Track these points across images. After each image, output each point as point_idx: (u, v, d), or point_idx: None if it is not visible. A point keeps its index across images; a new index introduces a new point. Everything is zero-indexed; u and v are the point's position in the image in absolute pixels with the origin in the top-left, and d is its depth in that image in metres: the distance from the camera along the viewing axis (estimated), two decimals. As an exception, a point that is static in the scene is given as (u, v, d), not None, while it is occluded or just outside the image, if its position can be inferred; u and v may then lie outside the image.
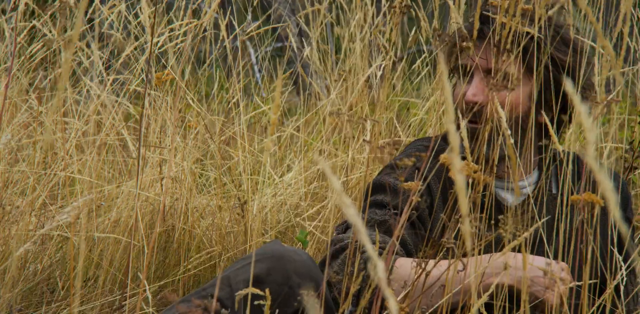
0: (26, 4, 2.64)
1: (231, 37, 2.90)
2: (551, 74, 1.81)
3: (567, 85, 1.09)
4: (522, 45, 1.73)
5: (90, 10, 2.88)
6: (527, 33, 1.72)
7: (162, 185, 2.61)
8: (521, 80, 1.79)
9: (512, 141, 1.68)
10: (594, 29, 1.40)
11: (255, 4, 3.21)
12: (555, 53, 1.79)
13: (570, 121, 1.86)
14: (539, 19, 1.73)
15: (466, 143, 1.69)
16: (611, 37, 1.79)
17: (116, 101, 2.77)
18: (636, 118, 2.23)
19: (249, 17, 3.48)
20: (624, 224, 1.12)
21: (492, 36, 1.77)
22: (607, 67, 1.60)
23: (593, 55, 1.84)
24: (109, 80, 2.78)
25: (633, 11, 2.44)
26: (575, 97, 1.08)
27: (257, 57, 4.29)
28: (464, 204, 1.11)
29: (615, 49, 2.61)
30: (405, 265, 1.73)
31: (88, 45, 2.90)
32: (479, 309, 1.55)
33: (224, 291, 1.73)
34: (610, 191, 1.04)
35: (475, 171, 1.62)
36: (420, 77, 3.32)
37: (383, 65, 3.05)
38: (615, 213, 1.05)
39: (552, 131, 1.70)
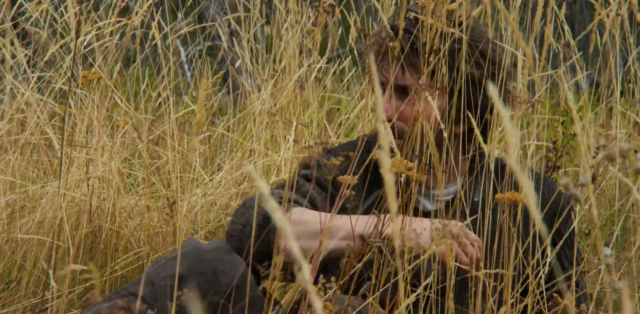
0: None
1: (160, 35, 2.87)
2: (467, 85, 1.81)
3: (490, 89, 1.11)
4: (443, 54, 1.74)
5: (14, 7, 2.82)
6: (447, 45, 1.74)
7: (88, 185, 2.57)
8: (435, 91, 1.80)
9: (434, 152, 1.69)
10: (513, 31, 1.42)
11: (188, 4, 3.19)
12: (470, 70, 1.80)
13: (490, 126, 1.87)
14: (462, 19, 1.74)
15: (394, 144, 1.70)
16: (535, 38, 1.81)
17: (41, 99, 2.72)
18: (559, 118, 2.27)
19: (180, 14, 3.45)
20: (543, 224, 1.13)
21: (406, 50, 1.78)
22: (526, 69, 1.63)
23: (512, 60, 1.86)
24: (33, 78, 2.73)
25: (558, 11, 2.47)
26: (497, 100, 1.09)
27: (187, 56, 4.26)
28: (392, 203, 1.11)
29: (539, 50, 2.66)
30: (312, 214, 1.75)
31: (12, 43, 2.85)
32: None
33: (146, 288, 1.73)
34: (530, 192, 1.05)
35: (409, 169, 1.62)
36: (348, 77, 3.33)
37: (316, 66, 3.06)
38: (535, 215, 1.06)
39: (478, 133, 1.72)
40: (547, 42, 1.76)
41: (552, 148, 2.28)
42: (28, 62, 2.79)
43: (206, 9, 4.32)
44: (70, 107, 2.36)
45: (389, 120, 1.81)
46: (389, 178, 1.11)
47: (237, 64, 3.36)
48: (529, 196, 1.05)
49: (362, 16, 3.28)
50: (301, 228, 1.73)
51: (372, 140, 1.93)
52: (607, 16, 2.01)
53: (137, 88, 3.21)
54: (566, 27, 2.56)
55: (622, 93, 2.94)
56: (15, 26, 2.99)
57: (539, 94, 2.18)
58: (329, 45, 3.24)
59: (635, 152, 1.24)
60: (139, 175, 2.92)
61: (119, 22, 2.73)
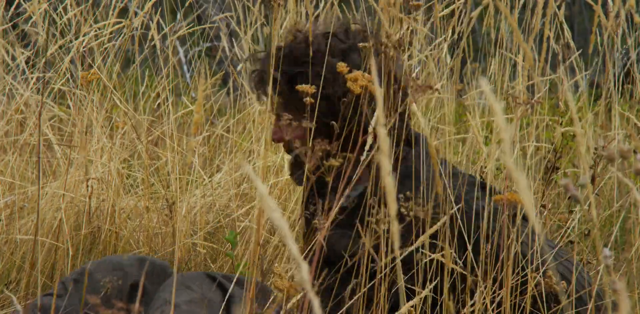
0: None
1: (159, 36, 2.87)
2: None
3: (483, 83, 1.10)
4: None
5: (12, 7, 2.82)
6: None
7: (87, 186, 2.57)
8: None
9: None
10: (514, 33, 1.42)
11: (187, 4, 3.19)
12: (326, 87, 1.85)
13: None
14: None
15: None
16: (534, 39, 1.81)
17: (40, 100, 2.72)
18: (558, 120, 2.28)
19: (179, 15, 3.45)
20: (538, 224, 1.12)
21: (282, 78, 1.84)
22: (526, 70, 1.63)
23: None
24: (32, 78, 2.73)
25: (557, 12, 2.47)
26: (491, 96, 1.09)
27: (187, 57, 4.26)
28: (392, 204, 1.11)
29: (538, 51, 2.66)
30: None
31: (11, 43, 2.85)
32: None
33: (59, 285, 1.95)
34: (526, 189, 1.05)
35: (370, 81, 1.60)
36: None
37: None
38: (529, 213, 1.06)
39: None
40: (546, 43, 1.76)
41: (551, 150, 2.28)
42: (27, 62, 2.79)
43: (203, 11, 4.32)
44: (69, 107, 2.36)
45: (278, 141, 1.91)
46: (388, 181, 1.11)
47: (238, 67, 3.36)
48: (527, 197, 1.05)
49: (360, 15, 3.27)
50: None
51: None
52: (607, 17, 2.01)
53: (136, 89, 3.21)
54: (565, 28, 2.56)
55: (621, 94, 2.94)
56: (14, 27, 2.99)
57: (538, 95, 2.18)
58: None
59: (635, 152, 1.24)
60: (138, 176, 2.92)
61: (118, 23, 2.73)
